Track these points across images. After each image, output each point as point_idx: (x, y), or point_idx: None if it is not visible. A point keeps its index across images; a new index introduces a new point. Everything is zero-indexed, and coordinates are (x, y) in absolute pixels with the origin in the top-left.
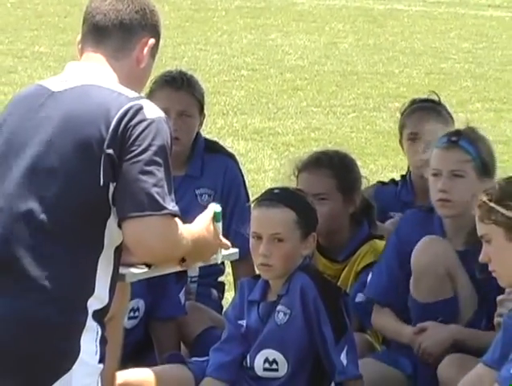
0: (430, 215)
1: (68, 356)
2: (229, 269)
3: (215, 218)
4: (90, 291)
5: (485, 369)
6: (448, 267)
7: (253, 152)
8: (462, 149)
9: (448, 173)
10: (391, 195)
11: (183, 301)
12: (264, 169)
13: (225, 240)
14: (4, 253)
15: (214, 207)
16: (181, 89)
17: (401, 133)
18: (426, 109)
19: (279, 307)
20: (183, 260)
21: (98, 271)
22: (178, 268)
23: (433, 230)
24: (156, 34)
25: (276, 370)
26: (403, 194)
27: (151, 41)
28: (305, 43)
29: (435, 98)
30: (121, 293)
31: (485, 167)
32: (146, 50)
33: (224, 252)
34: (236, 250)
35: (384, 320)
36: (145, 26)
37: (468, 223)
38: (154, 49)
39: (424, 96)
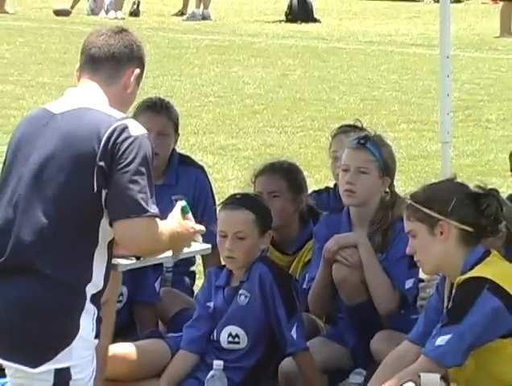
0: (339, 214)
1: (69, 333)
2: (199, 261)
3: (183, 211)
4: (88, 278)
5: (410, 345)
6: (362, 275)
7: (219, 164)
8: (368, 151)
9: (354, 169)
10: (324, 200)
11: (158, 288)
12: (228, 178)
13: (198, 226)
14: (17, 251)
15: (180, 203)
16: (160, 113)
17: (329, 150)
18: (347, 132)
19: (241, 291)
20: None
21: (94, 262)
22: (160, 261)
23: (342, 224)
24: (141, 65)
25: (238, 343)
26: (332, 199)
27: (137, 71)
28: (262, 75)
29: (359, 124)
30: (113, 280)
31: (386, 168)
32: (132, 78)
33: (198, 247)
34: (208, 246)
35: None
36: (132, 58)
37: (370, 213)
38: (139, 77)
39: (350, 122)
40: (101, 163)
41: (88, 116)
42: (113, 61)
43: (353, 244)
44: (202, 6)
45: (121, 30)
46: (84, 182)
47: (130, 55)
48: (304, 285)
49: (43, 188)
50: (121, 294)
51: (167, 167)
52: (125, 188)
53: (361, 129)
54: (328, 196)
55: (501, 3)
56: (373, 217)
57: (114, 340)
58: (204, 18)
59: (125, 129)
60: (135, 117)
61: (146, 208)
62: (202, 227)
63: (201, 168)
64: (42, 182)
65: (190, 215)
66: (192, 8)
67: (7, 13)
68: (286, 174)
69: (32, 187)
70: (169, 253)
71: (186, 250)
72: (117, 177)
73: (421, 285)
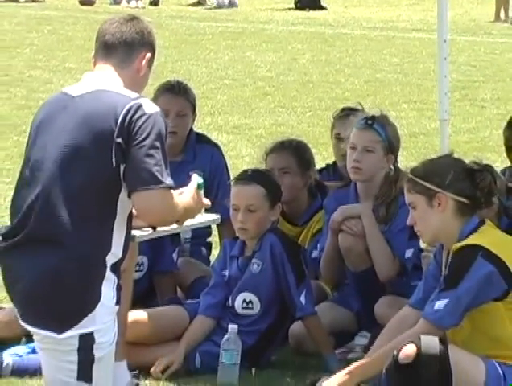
0: (346, 189)
1: (92, 300)
2: (215, 232)
3: (198, 187)
4: (108, 249)
5: (410, 309)
6: (366, 244)
7: (233, 142)
8: (375, 131)
9: (361, 148)
10: (325, 177)
11: (176, 258)
12: (242, 155)
13: (206, 201)
14: (40, 223)
15: (197, 179)
16: (178, 95)
17: (331, 132)
18: (350, 116)
19: (254, 260)
20: (177, 221)
21: (114, 233)
22: (175, 231)
23: (350, 198)
24: (152, 49)
25: (252, 308)
26: (332, 176)
27: (148, 55)
28: (273, 59)
29: (359, 106)
30: (131, 250)
31: (391, 147)
32: (144, 62)
33: (208, 217)
34: (218, 216)
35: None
36: (143, 43)
37: (375, 188)
38: (151, 61)
39: (352, 105)
40: (119, 140)
41: (105, 97)
42: (126, 46)
43: (356, 215)
44: None
45: (133, 18)
46: (104, 158)
47: (141, 40)
48: (316, 254)
49: (65, 165)
50: (142, 264)
51: (186, 145)
52: (141, 162)
53: (362, 111)
54: (328, 172)
55: None
56: (378, 191)
57: (136, 307)
58: (220, 6)
59: (139, 107)
60: (156, 98)
61: (161, 180)
62: (209, 203)
63: (217, 146)
64: (64, 160)
65: (202, 192)
66: None
67: (39, 1)
68: (295, 151)
69: (54, 165)
70: (175, 225)
71: (199, 220)
72: (134, 152)
73: (423, 254)
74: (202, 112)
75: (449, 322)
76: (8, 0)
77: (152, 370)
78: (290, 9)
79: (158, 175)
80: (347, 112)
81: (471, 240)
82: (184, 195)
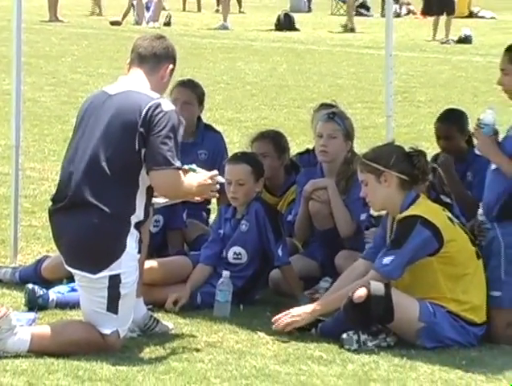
0: (314, 168)
1: (119, 249)
2: (213, 200)
3: (192, 170)
4: (132, 211)
5: (362, 261)
6: (330, 208)
7: (227, 132)
8: (336, 122)
9: (326, 135)
10: (306, 160)
11: (185, 218)
12: (233, 142)
13: (211, 173)
14: (80, 191)
15: (188, 166)
16: (186, 87)
17: (312, 122)
18: (328, 108)
19: (243, 222)
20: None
21: (137, 200)
22: (185, 199)
23: (317, 175)
24: (174, 62)
25: (240, 259)
26: (312, 158)
27: (171, 66)
28: (258, 68)
29: (334, 103)
30: None
31: (349, 135)
32: (167, 71)
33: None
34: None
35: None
36: (168, 57)
37: (337, 167)
38: (172, 71)
39: (328, 101)
40: (141, 130)
41: (134, 96)
42: (155, 58)
43: (323, 186)
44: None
45: (161, 37)
46: (129, 143)
47: (167, 54)
48: (290, 218)
49: (100, 147)
50: (159, 221)
51: (196, 131)
52: (158, 148)
53: (335, 106)
54: (309, 155)
55: (431, 17)
56: (338, 170)
57: (152, 256)
58: (225, 27)
59: (159, 105)
60: (171, 92)
61: (172, 162)
62: (215, 172)
63: (220, 133)
64: (99, 143)
65: (199, 169)
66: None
67: (60, 21)
68: (272, 139)
69: (92, 146)
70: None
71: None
72: (153, 140)
73: (366, 232)
74: (204, 109)
75: (395, 274)
76: (55, 20)
77: (166, 304)
78: (271, 30)
79: (170, 159)
80: (324, 107)
81: (411, 211)
82: (188, 178)
